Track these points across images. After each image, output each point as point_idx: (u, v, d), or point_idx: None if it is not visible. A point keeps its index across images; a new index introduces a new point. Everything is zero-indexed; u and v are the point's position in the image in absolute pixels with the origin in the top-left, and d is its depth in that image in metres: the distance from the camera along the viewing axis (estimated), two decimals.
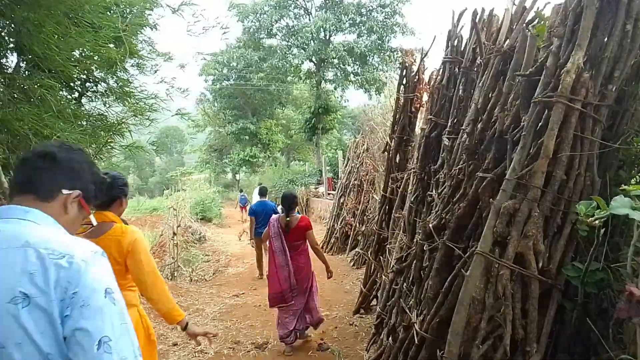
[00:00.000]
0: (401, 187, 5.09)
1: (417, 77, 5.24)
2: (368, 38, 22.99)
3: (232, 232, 15.99)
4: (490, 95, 3.43)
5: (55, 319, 1.06)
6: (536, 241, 1.92)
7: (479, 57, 4.00)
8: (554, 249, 1.97)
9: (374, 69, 23.90)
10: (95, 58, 6.90)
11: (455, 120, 4.01)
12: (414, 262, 3.16)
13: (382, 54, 23.50)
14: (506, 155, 2.44)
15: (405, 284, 3.69)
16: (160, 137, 67.47)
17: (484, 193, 2.35)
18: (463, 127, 3.21)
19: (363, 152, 11.36)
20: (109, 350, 1.07)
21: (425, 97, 5.33)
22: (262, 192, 9.51)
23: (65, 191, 1.24)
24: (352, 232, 10.95)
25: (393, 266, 4.58)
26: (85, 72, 7.54)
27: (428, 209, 4.11)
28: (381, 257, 5.48)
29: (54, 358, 1.06)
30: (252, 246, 8.90)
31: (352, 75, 24.80)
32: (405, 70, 5.30)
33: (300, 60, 24.22)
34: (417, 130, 5.18)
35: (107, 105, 7.53)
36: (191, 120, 6.70)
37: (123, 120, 6.90)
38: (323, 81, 25.45)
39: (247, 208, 16.78)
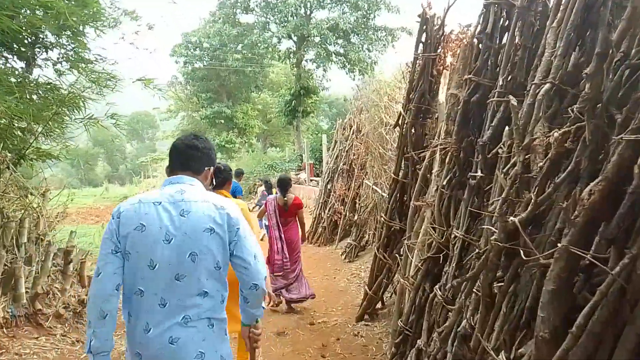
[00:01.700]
0: (422, 168, 4.10)
1: (440, 32, 4.24)
2: (352, 14, 21.71)
3: None
4: (571, 36, 2.51)
5: (226, 242, 1.83)
6: None
7: None
8: None
9: (358, 48, 22.73)
10: (46, 15, 5.71)
11: (510, 77, 3.04)
12: (482, 273, 2.17)
13: (366, 32, 22.31)
14: None
15: (439, 290, 2.72)
16: (131, 122, 65.05)
17: None
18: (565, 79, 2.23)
19: (352, 134, 10.37)
20: (258, 259, 1.88)
21: (449, 59, 4.35)
22: (237, 174, 9.35)
23: (206, 168, 2.01)
24: (341, 221, 9.98)
25: (418, 268, 3.61)
26: (34, 34, 6.33)
27: (471, 195, 3.15)
28: (398, 255, 4.50)
29: (221, 263, 1.84)
30: None
31: (334, 55, 23.56)
32: (425, 25, 4.28)
33: (279, 37, 22.75)
34: (441, 98, 4.18)
35: (59, 73, 6.32)
36: (157, 90, 5.53)
37: (74, 90, 5.73)
38: (304, 61, 24.14)
39: None
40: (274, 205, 5.76)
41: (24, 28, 5.62)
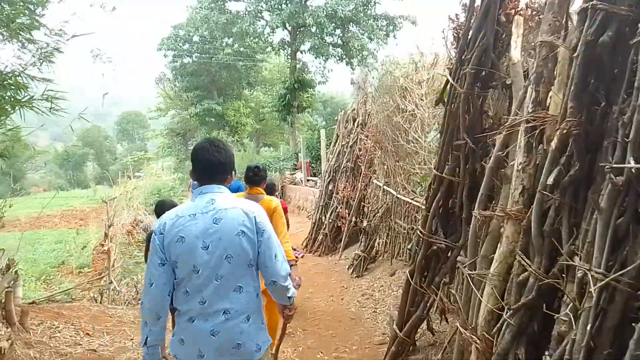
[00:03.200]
0: (491, 159, 2.73)
1: None
2: (352, 0, 20.16)
3: None
4: None
5: (255, 243, 2.05)
6: None
7: None
8: None
9: (358, 36, 21.11)
10: None
11: None
12: None
13: (366, 20, 20.79)
14: None
15: None
16: (121, 122, 63.30)
17: None
18: None
19: (357, 127, 9.01)
20: (278, 259, 2.11)
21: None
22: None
23: (229, 176, 2.19)
24: (345, 227, 8.60)
25: (504, 321, 2.24)
26: None
27: (615, 201, 1.80)
28: (442, 284, 3.13)
29: (253, 260, 2.06)
30: None
31: (330, 47, 22.02)
32: None
33: (272, 26, 21.14)
34: (514, 55, 2.81)
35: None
36: (109, 62, 4.11)
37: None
38: (299, 52, 22.58)
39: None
40: None
41: None
